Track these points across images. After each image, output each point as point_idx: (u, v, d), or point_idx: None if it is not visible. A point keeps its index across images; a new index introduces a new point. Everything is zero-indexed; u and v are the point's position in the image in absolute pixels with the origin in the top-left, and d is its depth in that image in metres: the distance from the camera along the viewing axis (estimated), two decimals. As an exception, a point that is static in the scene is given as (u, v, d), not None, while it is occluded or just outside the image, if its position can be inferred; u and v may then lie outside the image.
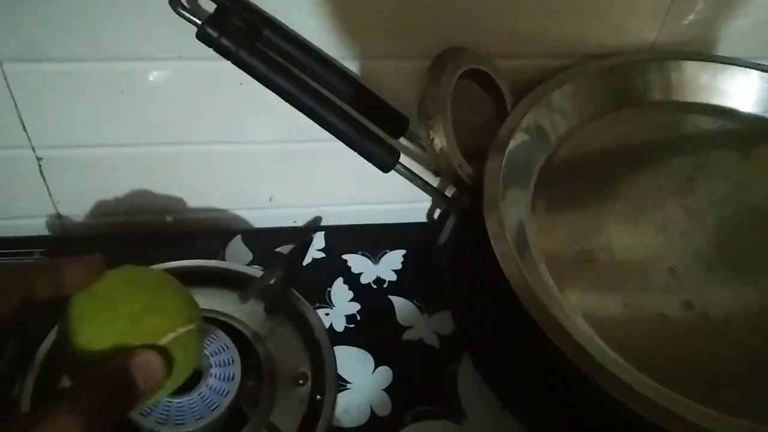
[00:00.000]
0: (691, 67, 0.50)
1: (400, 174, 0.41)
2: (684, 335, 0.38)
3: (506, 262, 0.37)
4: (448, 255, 0.46)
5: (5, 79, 0.46)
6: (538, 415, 0.45)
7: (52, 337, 0.48)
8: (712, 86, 0.50)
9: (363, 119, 0.41)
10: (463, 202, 0.43)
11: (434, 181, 0.52)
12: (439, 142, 0.39)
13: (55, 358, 0.39)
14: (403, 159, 0.45)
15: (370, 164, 0.56)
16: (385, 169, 0.40)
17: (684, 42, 0.51)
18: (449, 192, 0.48)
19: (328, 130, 0.39)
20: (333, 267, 0.57)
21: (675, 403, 0.34)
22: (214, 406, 0.45)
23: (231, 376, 0.45)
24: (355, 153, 0.55)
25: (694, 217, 0.45)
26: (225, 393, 0.45)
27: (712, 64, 0.50)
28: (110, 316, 0.33)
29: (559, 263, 0.41)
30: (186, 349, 0.35)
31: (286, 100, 0.39)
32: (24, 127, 0.49)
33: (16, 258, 0.54)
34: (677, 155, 0.49)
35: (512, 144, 0.44)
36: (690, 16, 0.50)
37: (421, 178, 0.42)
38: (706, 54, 0.51)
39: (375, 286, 0.56)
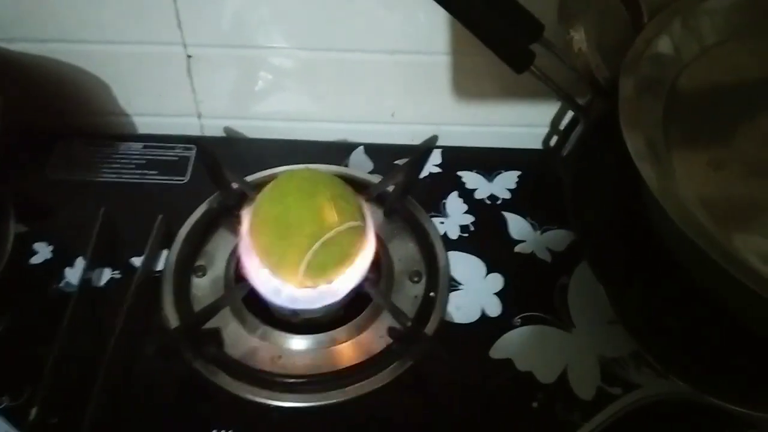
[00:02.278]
0: None
1: (534, 75, 0.42)
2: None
3: (647, 174, 0.37)
4: (572, 165, 0.47)
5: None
6: (649, 330, 0.46)
7: (192, 219, 0.53)
8: None
9: (501, 21, 0.42)
10: (596, 108, 0.44)
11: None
12: (579, 40, 0.40)
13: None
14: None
15: (489, 86, 0.58)
16: (521, 68, 0.42)
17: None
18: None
19: (467, 25, 0.41)
20: (448, 182, 0.59)
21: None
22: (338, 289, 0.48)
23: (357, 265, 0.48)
24: (476, 71, 0.57)
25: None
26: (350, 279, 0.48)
27: None
28: (313, 192, 0.42)
29: (691, 172, 0.41)
30: (360, 240, 0.41)
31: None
32: (179, 23, 0.53)
33: (161, 152, 0.59)
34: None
35: (648, 55, 0.44)
36: None
37: (553, 81, 0.43)
38: None
39: (489, 202, 0.57)
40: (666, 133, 0.42)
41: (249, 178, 0.55)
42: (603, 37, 0.46)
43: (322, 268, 0.42)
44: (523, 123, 0.61)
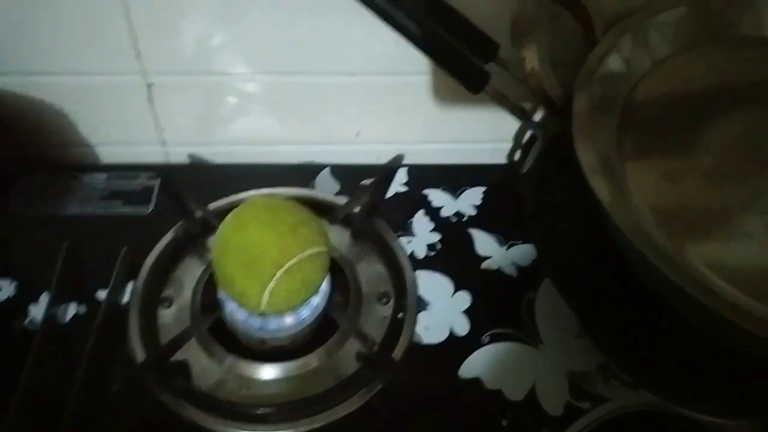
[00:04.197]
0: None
1: (489, 95, 0.43)
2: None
3: (600, 189, 0.38)
4: (532, 182, 0.47)
5: (125, 4, 0.49)
6: (616, 341, 0.46)
7: (157, 250, 0.53)
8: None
9: (455, 42, 0.43)
10: (552, 125, 0.44)
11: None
12: (531, 60, 0.40)
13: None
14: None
15: (452, 104, 0.58)
16: (476, 88, 0.42)
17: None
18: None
19: (421, 49, 0.41)
20: (414, 200, 0.59)
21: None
22: (305, 315, 0.48)
23: (322, 290, 0.48)
24: (438, 90, 0.57)
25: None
26: (315, 305, 0.48)
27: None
28: (274, 220, 0.42)
29: (645, 185, 0.41)
30: (323, 266, 0.41)
31: (381, 17, 0.40)
32: (138, 53, 0.52)
33: (124, 182, 0.59)
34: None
35: (601, 71, 0.44)
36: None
37: (509, 100, 0.43)
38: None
39: (455, 220, 0.58)
40: (620, 148, 0.43)
41: (215, 205, 0.55)
42: (558, 54, 0.46)
43: (286, 296, 0.42)
44: (488, 139, 0.61)
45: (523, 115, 0.44)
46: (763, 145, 0.45)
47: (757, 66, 0.49)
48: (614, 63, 0.45)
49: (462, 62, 0.43)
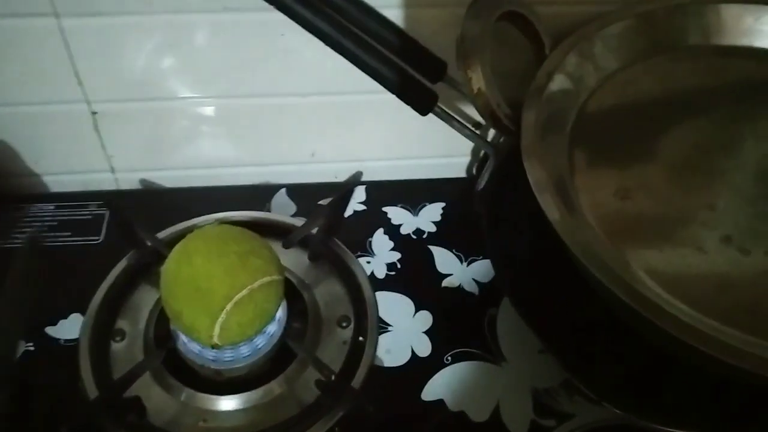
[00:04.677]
0: (734, 10, 0.49)
1: (438, 116, 0.42)
2: (723, 269, 0.38)
3: (549, 207, 0.38)
4: (486, 200, 0.47)
5: (62, 34, 0.48)
6: (578, 357, 0.46)
7: (108, 281, 0.51)
8: (758, 29, 0.49)
9: (402, 63, 0.42)
10: (502, 145, 0.44)
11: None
12: (477, 81, 0.40)
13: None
14: (442, 105, 0.46)
15: (409, 119, 0.58)
16: (424, 110, 0.41)
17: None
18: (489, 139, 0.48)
19: (367, 73, 0.41)
20: (373, 219, 0.58)
21: (717, 332, 0.35)
22: (262, 344, 0.47)
23: (277, 318, 0.47)
24: (394, 107, 0.56)
25: (735, 158, 0.44)
26: (271, 334, 0.47)
27: (756, 6, 0.49)
28: (222, 251, 0.41)
29: (597, 202, 0.41)
30: (276, 295, 0.40)
31: (327, 44, 0.40)
32: (79, 81, 0.51)
33: (73, 212, 0.57)
34: (719, 100, 0.48)
35: (550, 87, 0.44)
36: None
37: (458, 120, 0.43)
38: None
39: (415, 237, 0.57)
40: (572, 164, 0.43)
41: (166, 232, 0.54)
42: (506, 65, 0.46)
43: (237, 328, 0.41)
44: (444, 154, 0.61)
45: (473, 134, 0.44)
46: (713, 155, 0.45)
47: (706, 76, 0.50)
48: (562, 79, 0.45)
49: (409, 84, 0.42)
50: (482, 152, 0.59)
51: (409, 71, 0.41)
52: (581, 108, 0.46)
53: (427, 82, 0.44)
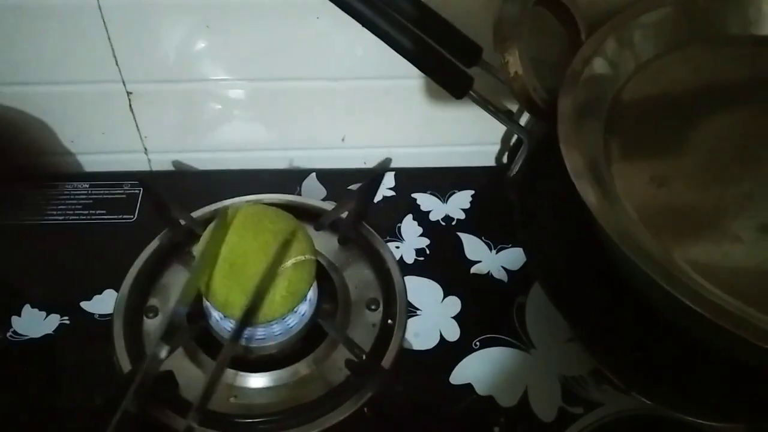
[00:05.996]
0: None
1: (473, 100, 0.42)
2: (761, 257, 0.38)
3: (586, 193, 0.38)
4: (519, 186, 0.47)
5: (101, 13, 0.48)
6: (607, 346, 0.46)
7: (141, 259, 0.52)
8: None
9: (437, 47, 0.42)
10: (536, 130, 0.44)
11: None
12: (514, 64, 0.40)
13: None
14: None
15: (439, 107, 0.58)
16: (459, 93, 0.41)
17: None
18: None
19: (403, 55, 0.41)
20: (402, 205, 0.59)
21: (757, 319, 0.34)
22: (293, 323, 0.47)
23: (308, 298, 0.48)
24: (424, 94, 0.57)
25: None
26: (303, 313, 0.48)
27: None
28: (258, 229, 0.42)
29: (632, 189, 0.41)
30: (309, 274, 0.41)
31: (365, 25, 0.40)
32: (116, 61, 0.52)
33: (108, 191, 0.58)
34: (757, 90, 0.48)
35: (587, 73, 0.44)
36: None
37: (493, 105, 0.43)
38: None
39: (444, 224, 0.57)
40: (607, 151, 0.43)
41: (199, 212, 0.55)
42: (542, 54, 0.46)
43: (270, 305, 0.42)
44: (474, 142, 0.61)
45: (508, 119, 0.44)
46: (750, 145, 0.44)
47: (744, 65, 0.49)
48: (599, 65, 0.45)
49: (445, 67, 0.42)
50: (512, 140, 0.59)
51: (446, 54, 0.41)
52: (617, 95, 0.46)
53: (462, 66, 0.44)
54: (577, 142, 0.40)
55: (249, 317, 0.39)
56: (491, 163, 0.62)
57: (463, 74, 0.41)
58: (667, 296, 0.34)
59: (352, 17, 0.40)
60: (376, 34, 0.39)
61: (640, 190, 0.41)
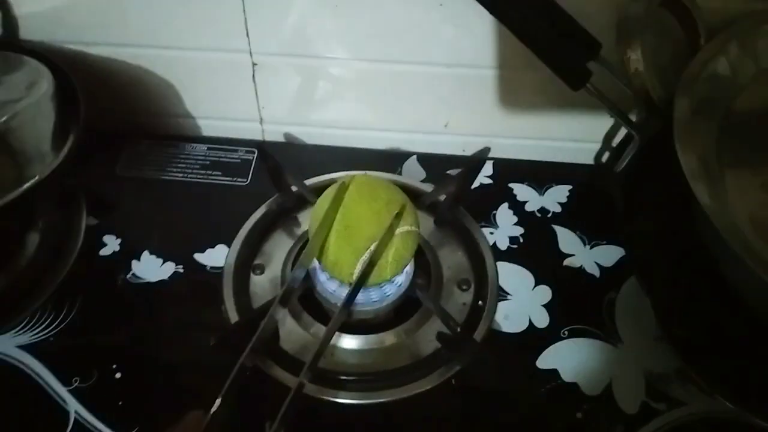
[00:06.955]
0: None
1: (589, 93, 0.43)
2: None
3: (700, 192, 0.38)
4: (624, 181, 0.48)
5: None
6: (699, 348, 0.46)
7: (252, 220, 0.56)
8: None
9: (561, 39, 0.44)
10: (650, 127, 0.45)
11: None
12: (636, 61, 0.41)
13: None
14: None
15: (543, 100, 0.59)
16: (577, 86, 0.43)
17: None
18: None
19: (528, 44, 0.42)
20: (499, 193, 0.60)
21: None
22: (390, 292, 0.50)
23: (406, 271, 0.50)
24: (530, 86, 0.58)
25: None
26: (400, 284, 0.50)
27: None
28: (372, 196, 0.45)
29: (743, 192, 0.41)
30: (413, 244, 0.44)
31: (493, 13, 0.42)
32: (247, 32, 0.55)
33: (224, 154, 0.62)
34: None
35: (704, 75, 0.44)
36: None
37: (609, 99, 0.44)
38: None
39: (539, 215, 0.58)
40: (720, 154, 0.43)
41: (311, 181, 0.58)
42: (659, 57, 0.47)
43: (376, 270, 0.44)
44: (575, 138, 0.62)
45: (621, 115, 0.45)
46: None
47: None
48: (718, 68, 0.45)
49: (565, 58, 0.44)
50: (615, 139, 0.60)
51: (569, 46, 0.42)
52: (733, 99, 0.46)
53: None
54: (692, 141, 0.41)
55: (362, 281, 0.42)
56: (590, 161, 0.63)
57: (582, 67, 0.42)
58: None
59: (482, 5, 0.41)
60: (503, 23, 0.41)
61: (751, 195, 0.41)
